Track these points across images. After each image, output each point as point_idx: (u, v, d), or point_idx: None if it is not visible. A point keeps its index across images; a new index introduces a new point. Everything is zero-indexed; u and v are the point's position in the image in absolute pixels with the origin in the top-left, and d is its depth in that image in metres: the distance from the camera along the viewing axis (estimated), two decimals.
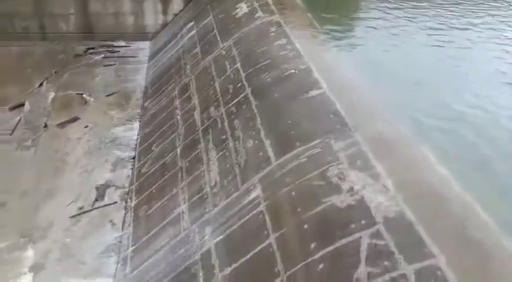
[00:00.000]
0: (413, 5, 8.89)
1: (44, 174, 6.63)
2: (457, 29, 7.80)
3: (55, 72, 9.63)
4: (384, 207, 3.39)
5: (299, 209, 3.81)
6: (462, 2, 9.21)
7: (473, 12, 8.69)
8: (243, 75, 6.27)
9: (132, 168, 6.69)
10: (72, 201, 6.05)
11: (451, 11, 8.60)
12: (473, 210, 3.34)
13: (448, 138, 4.50)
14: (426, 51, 6.82)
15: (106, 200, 6.08)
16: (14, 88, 8.88)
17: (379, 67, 6.16)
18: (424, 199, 3.50)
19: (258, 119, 5.29)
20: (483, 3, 9.29)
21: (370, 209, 3.42)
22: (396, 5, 8.77)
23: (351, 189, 3.66)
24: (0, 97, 8.57)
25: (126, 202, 6.00)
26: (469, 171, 3.92)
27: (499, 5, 9.23)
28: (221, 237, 4.20)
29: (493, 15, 8.53)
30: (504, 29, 7.76)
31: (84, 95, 8.78)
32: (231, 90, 6.23)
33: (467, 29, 7.80)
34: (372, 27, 7.73)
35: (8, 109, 8.26)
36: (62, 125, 7.78)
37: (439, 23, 7.97)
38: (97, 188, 6.31)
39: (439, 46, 6.96)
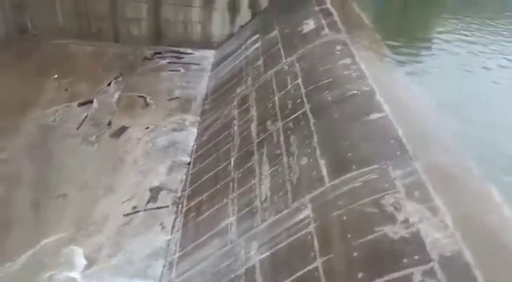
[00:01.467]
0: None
1: (104, 170, 6.94)
2: None
3: (123, 73, 10.11)
4: (441, 244, 3.23)
5: (349, 235, 3.71)
6: None
7: None
8: (304, 91, 6.25)
9: (186, 174, 6.84)
10: (127, 200, 6.28)
11: None
12: None
13: None
14: (499, 82, 6.45)
15: (159, 203, 6.25)
16: (85, 85, 9.42)
17: (447, 94, 5.91)
18: (485, 241, 3.30)
19: (315, 137, 5.23)
20: None
21: (426, 244, 3.26)
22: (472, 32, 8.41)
23: (406, 220, 3.52)
24: (72, 93, 9.14)
25: (177, 207, 6.14)
26: None
27: None
28: (267, 254, 4.17)
29: None
30: None
31: (146, 99, 9.10)
32: (289, 106, 6.22)
33: None
34: (443, 52, 7.44)
35: (77, 105, 8.75)
36: (115, 135, 7.94)
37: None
38: (151, 190, 6.51)
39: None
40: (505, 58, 7.20)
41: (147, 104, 8.96)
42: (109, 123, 8.21)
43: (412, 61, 6.99)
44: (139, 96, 9.19)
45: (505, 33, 8.49)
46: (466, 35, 8.19)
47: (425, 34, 8.75)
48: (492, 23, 8.98)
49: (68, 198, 6.30)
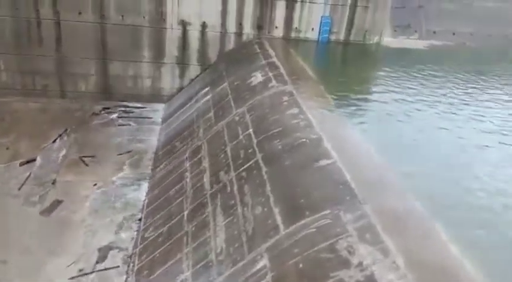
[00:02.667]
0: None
1: (48, 232, 6.55)
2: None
3: (70, 129, 9.84)
4: None
5: None
6: None
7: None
8: (255, 141, 6.34)
9: (137, 231, 6.59)
10: (73, 262, 5.90)
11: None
12: None
13: (460, 215, 4.40)
14: (438, 125, 6.90)
15: (108, 263, 5.92)
16: (29, 143, 9.07)
17: (390, 139, 6.21)
18: (435, 280, 3.37)
19: (268, 185, 5.27)
20: None
21: None
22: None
23: (360, 264, 3.55)
24: (14, 152, 8.74)
25: (128, 266, 5.84)
26: (483, 253, 3.79)
27: None
28: None
29: None
30: None
31: (90, 158, 8.76)
32: (242, 156, 6.26)
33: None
34: (384, 100, 7.90)
35: (19, 164, 8.36)
36: (46, 211, 7.13)
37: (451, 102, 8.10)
38: (99, 250, 6.18)
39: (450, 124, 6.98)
40: (427, 104, 7.86)
41: (86, 165, 8.57)
42: (53, 182, 7.86)
43: (354, 109, 7.33)
44: (80, 157, 8.77)
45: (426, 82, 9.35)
46: (397, 86, 8.82)
47: (364, 85, 9.31)
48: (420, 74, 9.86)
49: (8, 265, 5.84)
